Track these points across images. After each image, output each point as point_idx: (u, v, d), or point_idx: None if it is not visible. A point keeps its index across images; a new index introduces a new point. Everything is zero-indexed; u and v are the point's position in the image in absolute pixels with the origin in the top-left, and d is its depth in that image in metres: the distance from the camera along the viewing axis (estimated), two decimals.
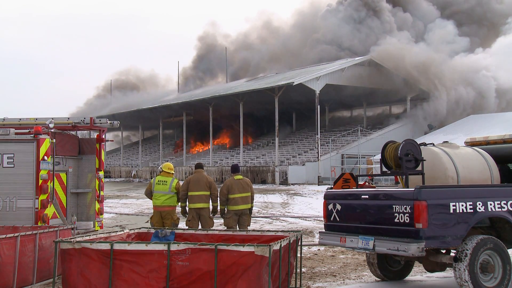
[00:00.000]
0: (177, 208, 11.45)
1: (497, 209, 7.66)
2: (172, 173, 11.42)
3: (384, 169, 8.44)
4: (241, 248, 6.53)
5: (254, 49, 66.95)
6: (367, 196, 8.08)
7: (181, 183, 11.38)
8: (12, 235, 8.06)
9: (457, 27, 50.42)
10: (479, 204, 7.53)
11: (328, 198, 8.78)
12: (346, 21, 54.47)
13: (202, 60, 75.10)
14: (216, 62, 70.00)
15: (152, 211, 11.53)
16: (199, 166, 11.62)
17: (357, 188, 8.97)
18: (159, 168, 11.79)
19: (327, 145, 45.70)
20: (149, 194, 11.40)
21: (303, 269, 9.58)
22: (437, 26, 50.07)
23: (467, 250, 7.33)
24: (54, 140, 10.94)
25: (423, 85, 46.15)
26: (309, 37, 59.04)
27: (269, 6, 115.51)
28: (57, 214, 11.23)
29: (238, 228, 11.05)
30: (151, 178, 11.89)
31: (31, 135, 10.73)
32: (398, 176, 8.86)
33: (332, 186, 9.23)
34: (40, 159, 10.65)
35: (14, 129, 10.97)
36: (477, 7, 54.41)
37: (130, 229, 8.84)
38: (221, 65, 66.76)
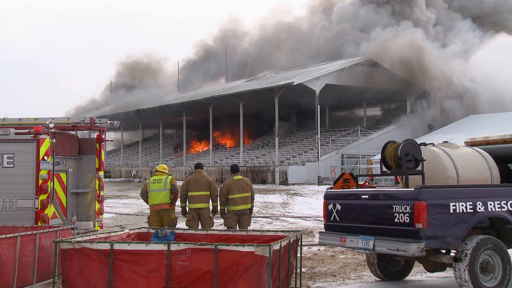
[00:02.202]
0: (175, 207, 11.43)
1: (497, 209, 7.65)
2: (166, 172, 11.45)
3: (384, 169, 8.44)
4: (241, 248, 6.53)
5: (255, 47, 66.94)
6: (367, 196, 8.08)
7: (177, 181, 11.40)
8: (12, 235, 8.06)
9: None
10: (479, 204, 7.52)
11: (328, 198, 8.77)
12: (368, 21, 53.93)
13: (202, 60, 75.08)
14: (216, 62, 69.97)
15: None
16: (198, 166, 11.62)
17: (357, 188, 8.97)
18: (154, 170, 11.83)
19: (327, 145, 45.70)
20: (145, 195, 11.37)
21: (303, 269, 9.57)
22: (459, 29, 50.04)
23: (467, 250, 7.33)
24: (54, 140, 10.94)
25: (423, 85, 46.12)
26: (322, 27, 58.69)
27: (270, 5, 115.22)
28: (57, 214, 11.22)
29: (238, 228, 11.05)
30: (146, 179, 11.86)
31: (31, 135, 10.73)
32: (398, 176, 8.86)
33: (332, 186, 9.23)
34: (40, 159, 10.64)
35: (14, 129, 10.96)
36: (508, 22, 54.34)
37: (130, 229, 8.85)
38: (221, 65, 66.73)
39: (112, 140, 20.02)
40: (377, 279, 9.10)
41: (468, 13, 55.00)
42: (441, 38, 51.27)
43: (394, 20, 51.93)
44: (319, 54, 56.31)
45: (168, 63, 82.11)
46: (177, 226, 11.32)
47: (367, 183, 9.86)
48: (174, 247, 6.70)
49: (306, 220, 19.06)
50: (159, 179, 11.23)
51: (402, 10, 53.46)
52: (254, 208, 11.93)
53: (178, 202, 11.39)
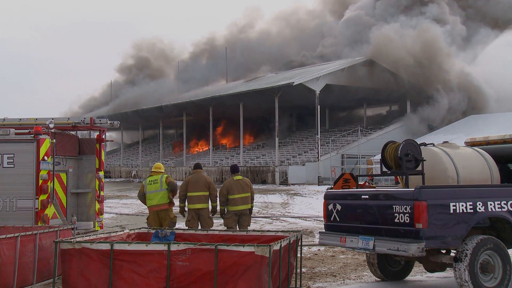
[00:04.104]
0: (174, 207, 11.41)
1: (497, 209, 7.65)
2: (162, 171, 11.40)
3: (384, 169, 8.44)
4: (241, 248, 6.53)
5: (256, 48, 66.94)
6: (367, 196, 8.08)
7: (171, 178, 11.37)
8: (12, 235, 8.06)
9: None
10: (479, 204, 7.52)
11: (328, 198, 8.77)
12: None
13: (202, 60, 75.05)
14: (216, 63, 69.95)
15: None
16: (197, 166, 11.62)
17: (357, 188, 8.97)
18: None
19: (327, 145, 45.68)
20: (142, 197, 11.32)
21: (303, 269, 9.57)
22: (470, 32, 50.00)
23: (467, 250, 7.33)
24: (54, 140, 10.94)
25: (423, 84, 46.06)
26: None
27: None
28: (57, 214, 11.23)
29: (238, 228, 11.05)
30: (143, 180, 11.84)
31: (31, 135, 10.73)
32: (398, 176, 8.86)
33: (332, 186, 9.23)
34: (40, 159, 10.65)
35: (14, 129, 10.97)
36: None
37: (130, 229, 8.85)
38: (221, 65, 66.72)
39: (112, 140, 20.05)
40: (377, 279, 9.10)
41: (485, 20, 54.81)
42: (455, 41, 51.12)
43: (408, 18, 51.63)
44: (323, 53, 56.19)
45: (169, 62, 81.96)
46: (177, 226, 11.31)
47: (367, 183, 9.87)
48: (174, 247, 6.70)
49: (306, 220, 19.06)
50: (155, 180, 11.19)
51: (420, 10, 53.13)
52: (254, 208, 11.94)
53: (176, 202, 11.38)
